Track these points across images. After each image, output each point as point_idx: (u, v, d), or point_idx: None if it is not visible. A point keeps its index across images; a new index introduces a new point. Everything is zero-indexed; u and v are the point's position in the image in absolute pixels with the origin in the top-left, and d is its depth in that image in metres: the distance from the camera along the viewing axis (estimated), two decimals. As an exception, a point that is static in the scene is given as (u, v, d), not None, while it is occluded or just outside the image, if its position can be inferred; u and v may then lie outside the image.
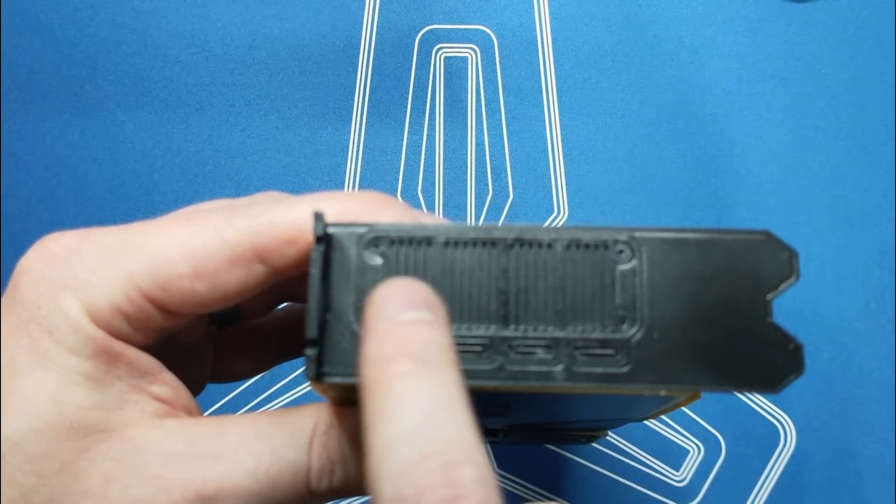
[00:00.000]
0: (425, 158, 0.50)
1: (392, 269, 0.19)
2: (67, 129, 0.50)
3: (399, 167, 0.50)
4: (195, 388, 0.26)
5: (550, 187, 0.50)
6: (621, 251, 0.19)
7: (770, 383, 0.19)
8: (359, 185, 0.50)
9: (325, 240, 0.20)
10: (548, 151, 0.50)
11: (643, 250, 0.19)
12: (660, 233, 0.19)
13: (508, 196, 0.50)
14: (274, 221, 0.21)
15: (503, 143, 0.50)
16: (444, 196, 0.50)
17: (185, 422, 0.21)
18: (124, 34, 0.52)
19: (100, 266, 0.20)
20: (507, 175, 0.50)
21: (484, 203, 0.50)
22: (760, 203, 0.49)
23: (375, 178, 0.50)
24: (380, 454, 0.16)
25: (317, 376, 0.19)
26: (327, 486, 0.21)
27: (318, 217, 0.20)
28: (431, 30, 0.52)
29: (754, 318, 0.20)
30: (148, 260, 0.20)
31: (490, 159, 0.50)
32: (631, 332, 0.19)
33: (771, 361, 0.19)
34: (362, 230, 0.20)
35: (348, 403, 0.22)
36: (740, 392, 0.19)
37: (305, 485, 0.21)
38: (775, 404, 0.47)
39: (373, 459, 0.16)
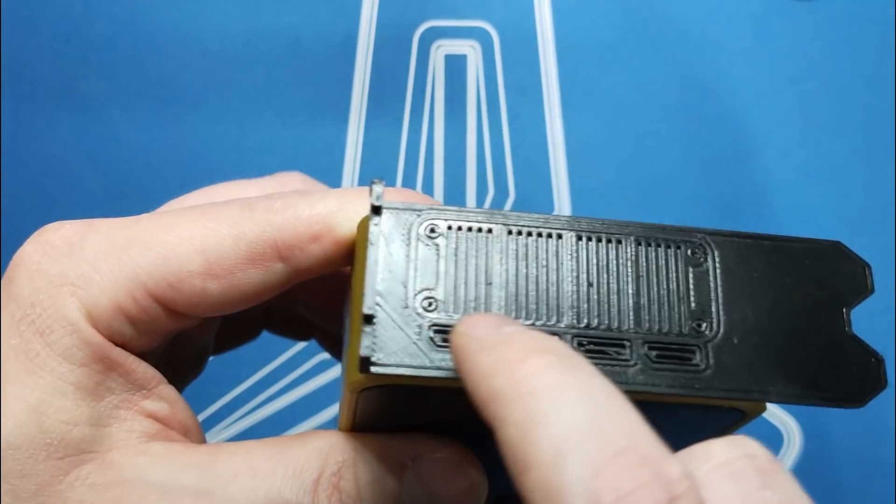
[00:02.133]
0: (425, 156, 0.50)
1: (450, 256, 0.17)
2: (63, 126, 0.50)
3: (398, 165, 0.50)
4: (188, 379, 0.25)
5: (552, 185, 0.49)
6: (694, 252, 0.18)
7: (855, 398, 0.19)
8: (357, 182, 0.50)
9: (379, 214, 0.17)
10: (549, 149, 0.50)
11: (716, 252, 0.19)
12: (732, 237, 0.19)
13: (509, 194, 0.49)
14: (298, 215, 0.19)
15: (504, 141, 0.50)
16: (443, 194, 0.49)
17: (173, 448, 0.19)
18: (120, 30, 0.51)
19: (103, 261, 0.19)
20: (507, 173, 0.50)
21: (484, 201, 0.49)
22: (766, 200, 0.49)
23: (374, 176, 0.50)
24: (552, 461, 0.13)
25: (367, 364, 0.16)
26: None
27: (376, 185, 0.17)
28: (431, 26, 0.52)
29: (834, 329, 0.19)
30: (157, 255, 0.19)
31: (490, 157, 0.50)
32: (710, 333, 0.18)
33: (854, 375, 0.19)
34: (421, 210, 0.17)
35: (370, 428, 0.19)
36: (824, 405, 0.18)
37: None
38: (780, 407, 0.47)
39: (541, 471, 0.13)
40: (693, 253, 0.18)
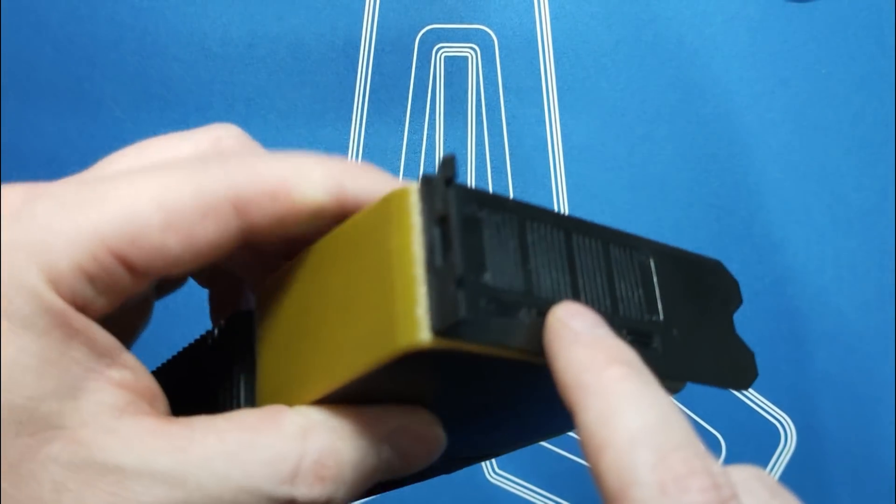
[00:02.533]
0: (425, 158, 0.50)
1: (495, 240, 0.18)
2: (66, 127, 0.50)
3: (399, 166, 0.50)
4: (137, 334, 0.23)
5: (550, 186, 0.50)
6: (643, 258, 0.21)
7: (742, 384, 0.22)
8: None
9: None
10: (548, 151, 0.50)
11: (653, 260, 0.21)
12: (662, 247, 0.22)
13: (509, 195, 0.50)
14: (257, 172, 0.19)
15: (503, 143, 0.50)
16: (443, 195, 0.50)
17: (145, 427, 0.18)
18: (123, 32, 0.52)
19: (58, 221, 0.18)
20: (507, 174, 0.50)
21: (484, 202, 0.50)
22: (760, 202, 0.49)
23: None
24: (627, 446, 0.16)
25: (455, 327, 0.16)
26: None
27: (450, 163, 0.18)
28: (431, 29, 0.52)
29: (726, 329, 0.23)
30: (115, 209, 0.18)
31: (490, 158, 0.50)
32: (661, 321, 0.21)
33: (740, 366, 0.23)
34: (475, 191, 0.18)
35: (342, 400, 0.19)
36: (725, 388, 0.22)
37: None
38: (775, 404, 0.47)
39: (616, 452, 0.16)
40: (643, 259, 0.21)
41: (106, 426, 0.18)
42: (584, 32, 0.52)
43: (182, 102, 0.51)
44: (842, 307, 0.48)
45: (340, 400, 0.19)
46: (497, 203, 0.18)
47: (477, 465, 0.46)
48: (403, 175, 0.50)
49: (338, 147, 0.50)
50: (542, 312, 0.18)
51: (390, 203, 0.18)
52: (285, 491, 0.18)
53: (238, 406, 0.21)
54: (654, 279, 0.21)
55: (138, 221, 0.18)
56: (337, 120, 0.51)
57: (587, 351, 0.17)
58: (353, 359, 0.18)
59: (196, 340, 0.23)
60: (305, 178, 0.19)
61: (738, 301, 0.24)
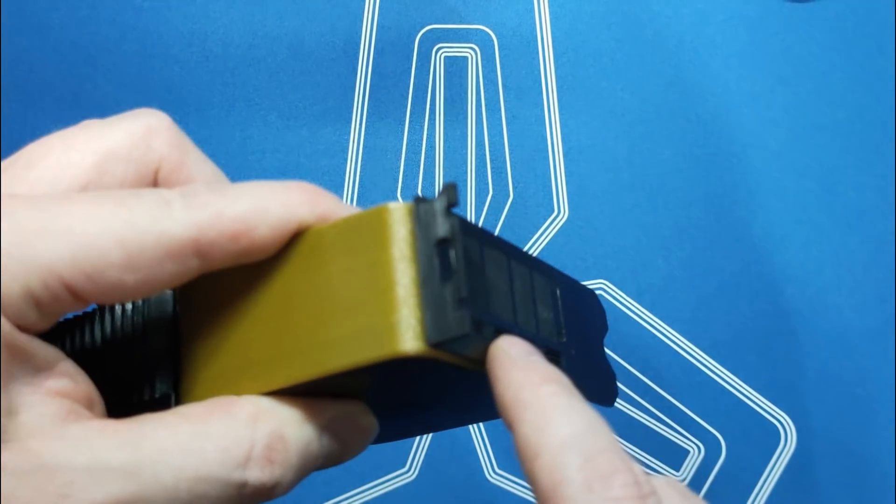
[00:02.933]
0: (425, 158, 0.50)
1: (470, 266, 0.20)
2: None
3: (399, 167, 0.50)
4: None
5: (551, 187, 0.50)
6: (554, 286, 0.24)
7: (609, 400, 0.26)
8: (359, 184, 0.50)
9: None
10: (548, 151, 0.50)
11: (558, 286, 0.24)
12: (561, 274, 0.24)
13: (509, 196, 0.50)
14: (220, 214, 0.19)
15: (503, 143, 0.51)
16: (444, 195, 0.50)
17: (91, 428, 0.18)
18: (124, 34, 0.52)
19: (16, 247, 0.18)
20: (507, 174, 0.50)
21: (484, 203, 0.50)
22: (760, 202, 0.49)
23: (375, 178, 0.50)
24: (558, 450, 0.19)
25: (463, 338, 0.19)
26: (261, 498, 0.19)
27: (452, 189, 0.19)
28: (431, 29, 0.52)
29: (599, 351, 0.26)
30: (75, 245, 0.18)
31: (490, 159, 0.50)
32: (565, 342, 0.23)
33: (609, 384, 0.26)
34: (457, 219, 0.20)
35: (295, 393, 0.20)
36: (598, 404, 0.25)
37: (237, 499, 0.19)
38: (775, 404, 0.47)
39: (548, 457, 0.19)
40: (553, 286, 0.24)
41: (52, 434, 0.18)
42: (584, 32, 0.52)
43: (183, 103, 0.51)
44: (841, 307, 0.48)
45: (289, 392, 0.20)
46: (470, 230, 0.20)
47: (477, 465, 0.46)
48: (403, 176, 0.50)
49: (338, 146, 0.50)
50: (498, 331, 0.20)
51: (382, 217, 0.19)
52: (239, 475, 0.19)
53: (158, 393, 0.21)
54: (560, 305, 0.24)
55: (98, 260, 0.18)
56: (337, 120, 0.51)
57: (524, 373, 0.20)
58: (331, 356, 0.19)
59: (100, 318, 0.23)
60: (265, 218, 0.19)
61: (606, 328, 0.27)
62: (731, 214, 0.49)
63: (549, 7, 0.52)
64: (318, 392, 0.20)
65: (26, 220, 0.18)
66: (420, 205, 0.19)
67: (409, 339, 0.18)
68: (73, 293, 0.18)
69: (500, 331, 0.20)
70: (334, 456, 0.21)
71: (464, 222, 0.20)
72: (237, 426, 0.19)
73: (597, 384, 0.25)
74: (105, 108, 0.51)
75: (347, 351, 0.19)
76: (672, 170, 0.50)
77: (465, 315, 0.18)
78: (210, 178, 0.23)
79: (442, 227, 0.19)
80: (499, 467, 0.46)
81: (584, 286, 0.26)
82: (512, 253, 0.22)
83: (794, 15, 0.52)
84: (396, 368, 0.19)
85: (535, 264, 0.23)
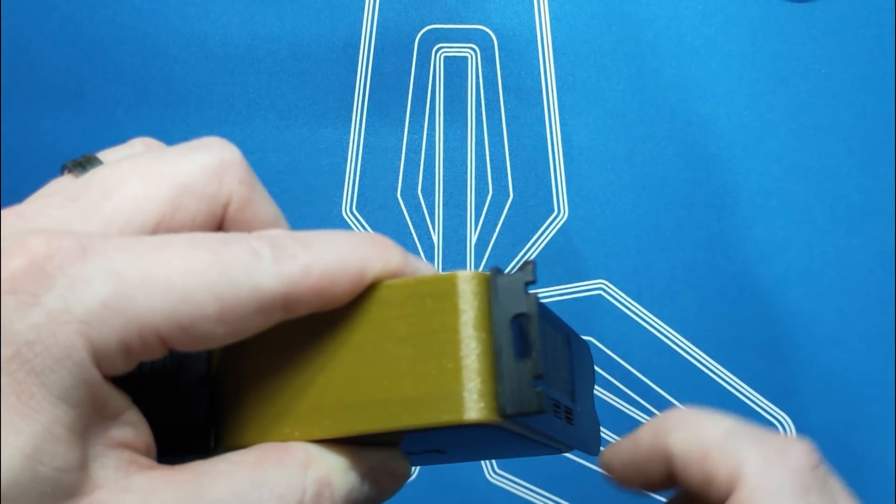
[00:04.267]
0: (425, 158, 0.50)
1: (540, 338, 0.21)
2: (67, 128, 0.50)
3: (399, 167, 0.50)
4: None
5: (550, 187, 0.50)
6: (565, 335, 0.25)
7: (596, 449, 0.26)
8: (359, 184, 0.50)
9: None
10: (548, 151, 0.50)
11: (568, 339, 0.25)
12: (567, 327, 0.25)
13: (508, 196, 0.50)
14: (310, 269, 0.19)
15: (503, 143, 0.51)
16: (444, 196, 0.50)
17: (154, 480, 0.19)
18: (124, 33, 0.52)
19: (116, 299, 0.17)
20: (507, 175, 0.50)
21: (484, 203, 0.50)
22: (761, 203, 0.49)
23: (375, 178, 0.50)
24: (724, 441, 0.21)
25: (534, 409, 0.19)
26: None
27: (531, 268, 0.20)
28: (431, 29, 0.52)
29: (592, 401, 0.27)
30: (175, 299, 0.18)
31: (490, 159, 0.50)
32: (575, 399, 0.24)
33: (595, 433, 0.27)
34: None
35: (342, 442, 0.20)
36: (587, 453, 0.26)
37: None
38: (775, 404, 0.47)
39: (717, 449, 0.21)
40: (564, 340, 0.24)
41: (119, 485, 0.18)
42: (584, 32, 0.52)
43: (183, 103, 0.51)
44: (842, 307, 0.48)
45: (337, 440, 0.20)
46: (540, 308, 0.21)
47: (477, 465, 0.46)
48: (403, 176, 0.50)
49: (338, 146, 0.50)
50: (566, 409, 0.23)
51: (457, 283, 0.20)
52: None
53: (209, 435, 0.22)
54: (571, 360, 0.24)
55: (195, 313, 0.18)
56: (337, 120, 0.51)
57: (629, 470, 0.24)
58: (398, 415, 0.20)
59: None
60: (345, 274, 0.20)
61: (594, 379, 0.28)
62: (732, 215, 0.49)
63: (549, 7, 0.52)
64: (361, 441, 0.21)
65: (125, 268, 0.18)
66: (498, 277, 0.20)
67: (481, 409, 0.19)
68: (165, 343, 0.18)
69: (555, 404, 0.21)
70: (371, 499, 0.21)
71: (541, 303, 0.20)
72: (290, 473, 0.19)
73: (591, 435, 0.26)
74: (105, 108, 0.51)
75: (417, 412, 0.19)
76: (672, 170, 0.50)
77: (542, 393, 0.19)
78: (274, 218, 0.23)
79: (521, 303, 0.19)
80: (499, 467, 0.46)
81: (580, 337, 0.26)
82: (547, 316, 0.23)
83: (795, 15, 0.52)
84: (452, 429, 0.20)
85: (552, 320, 0.23)
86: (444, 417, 0.19)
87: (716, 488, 0.21)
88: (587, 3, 0.52)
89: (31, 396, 0.17)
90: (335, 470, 0.20)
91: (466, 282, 0.20)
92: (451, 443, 0.23)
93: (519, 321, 0.20)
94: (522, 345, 0.20)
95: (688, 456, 0.21)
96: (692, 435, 0.21)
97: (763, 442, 0.21)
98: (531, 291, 0.20)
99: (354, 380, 0.20)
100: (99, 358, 0.17)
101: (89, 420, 0.18)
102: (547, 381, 0.21)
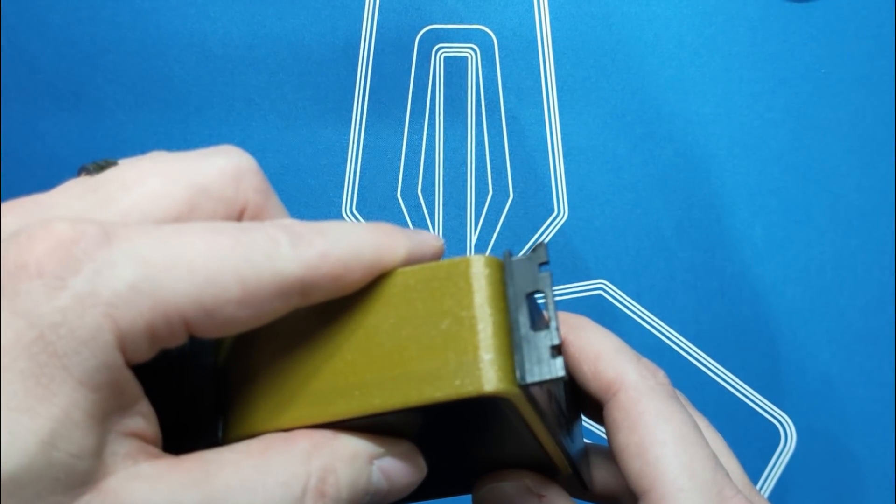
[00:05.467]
0: (425, 158, 0.50)
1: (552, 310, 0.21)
2: (67, 129, 0.50)
3: (399, 167, 0.50)
4: None
5: (550, 187, 0.50)
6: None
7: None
8: (359, 184, 0.50)
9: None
10: (548, 151, 0.50)
11: None
12: None
13: (508, 196, 0.50)
14: (327, 255, 0.19)
15: (503, 143, 0.51)
16: (444, 195, 0.50)
17: (162, 467, 0.19)
18: (124, 34, 0.52)
19: (143, 281, 0.17)
20: (507, 175, 0.50)
21: (484, 203, 0.50)
22: (760, 203, 0.49)
23: (375, 178, 0.50)
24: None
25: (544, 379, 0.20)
26: None
27: (543, 249, 0.21)
28: (431, 29, 0.52)
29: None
30: (200, 281, 0.18)
31: (490, 159, 0.50)
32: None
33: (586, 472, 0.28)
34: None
35: (345, 427, 0.21)
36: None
37: None
38: (775, 404, 0.47)
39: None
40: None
41: (128, 473, 0.18)
42: (584, 33, 0.52)
43: (183, 103, 0.51)
44: (842, 307, 0.48)
45: (344, 426, 0.20)
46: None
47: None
48: (403, 176, 0.50)
49: (338, 146, 0.50)
50: (559, 408, 0.23)
51: (470, 265, 0.20)
52: None
53: (216, 426, 0.22)
54: (567, 384, 0.26)
55: (220, 296, 0.18)
56: (337, 120, 0.51)
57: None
58: (411, 390, 0.20)
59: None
60: (360, 261, 0.20)
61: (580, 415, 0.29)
62: (732, 215, 0.49)
63: (549, 7, 0.52)
64: (374, 428, 0.21)
65: (150, 252, 0.18)
66: (512, 258, 0.21)
67: (499, 379, 0.19)
68: (189, 328, 0.18)
69: (549, 393, 0.22)
70: (381, 493, 0.21)
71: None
72: (294, 461, 0.20)
73: (585, 466, 0.27)
74: (105, 108, 0.51)
75: (433, 385, 0.20)
76: (672, 170, 0.50)
77: (561, 361, 0.20)
78: None
79: (536, 281, 0.20)
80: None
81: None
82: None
83: (795, 15, 0.52)
84: (451, 415, 0.20)
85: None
86: (463, 389, 0.19)
87: (599, 384, 0.25)
88: (587, 3, 0.52)
89: (52, 380, 0.17)
90: (341, 458, 0.20)
91: (480, 264, 0.20)
92: (448, 445, 0.23)
93: (533, 298, 0.20)
94: (538, 321, 0.20)
95: (582, 355, 0.26)
96: (589, 340, 0.26)
97: (639, 360, 0.26)
98: (546, 271, 0.20)
99: (368, 361, 0.20)
100: (124, 342, 0.17)
101: (107, 406, 0.18)
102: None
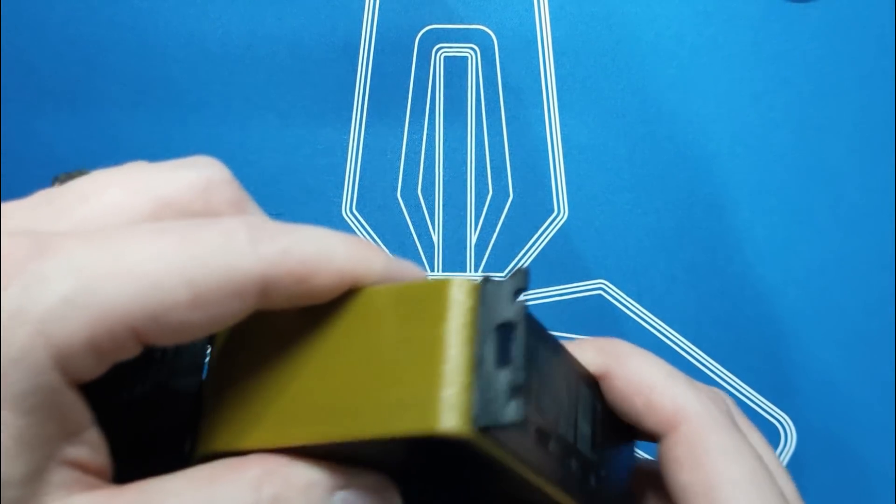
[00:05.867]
0: (425, 158, 0.50)
1: (528, 357, 0.19)
2: (66, 128, 0.50)
3: (399, 167, 0.50)
4: None
5: (550, 187, 0.50)
6: (596, 396, 0.25)
7: None
8: (359, 184, 0.50)
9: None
10: (548, 151, 0.50)
11: (599, 401, 0.24)
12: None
13: (508, 196, 0.50)
14: (289, 252, 0.18)
15: (503, 143, 0.50)
16: (443, 196, 0.50)
17: (98, 499, 0.17)
18: (122, 33, 0.52)
19: (79, 294, 0.16)
20: (507, 175, 0.50)
21: (484, 203, 0.50)
22: (761, 203, 0.49)
23: (375, 178, 0.50)
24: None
25: (510, 422, 0.17)
26: None
27: (523, 276, 0.19)
28: (431, 29, 0.52)
29: (625, 477, 0.26)
30: (142, 287, 0.17)
31: (490, 159, 0.50)
32: (596, 461, 0.23)
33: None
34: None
35: (301, 453, 0.19)
36: None
37: None
38: (775, 404, 0.47)
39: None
40: (594, 400, 0.24)
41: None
42: (584, 33, 0.52)
43: (181, 103, 0.51)
44: (842, 307, 0.48)
45: (307, 451, 0.19)
46: (533, 323, 0.20)
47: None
48: (403, 176, 0.50)
49: (337, 146, 0.50)
50: (566, 448, 0.21)
51: (444, 290, 0.18)
52: None
53: (187, 449, 0.21)
54: (598, 421, 0.23)
55: (166, 300, 0.17)
56: (336, 120, 0.51)
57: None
58: (366, 423, 0.18)
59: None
60: (329, 265, 0.19)
61: (634, 458, 0.27)
62: (732, 215, 0.49)
63: (549, 7, 0.52)
64: (340, 456, 0.19)
65: (86, 262, 0.17)
66: (488, 284, 0.18)
67: (452, 418, 0.17)
68: (139, 337, 0.17)
69: (540, 432, 0.20)
70: None
71: (529, 312, 0.19)
72: (243, 490, 0.18)
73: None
74: (104, 108, 0.51)
75: (386, 421, 0.18)
76: (672, 170, 0.50)
77: (518, 404, 0.17)
78: None
79: (507, 310, 0.18)
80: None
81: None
82: (564, 359, 0.22)
83: (796, 15, 0.52)
84: (428, 449, 0.19)
85: (582, 373, 0.23)
86: (414, 426, 0.17)
87: (657, 417, 0.23)
88: (587, 3, 0.52)
89: None
90: (294, 487, 0.18)
91: (455, 289, 0.18)
92: (428, 482, 0.21)
93: (508, 330, 0.18)
94: (508, 356, 0.18)
95: (632, 386, 0.24)
96: (638, 369, 0.24)
97: (697, 387, 0.24)
98: (520, 300, 0.18)
99: (328, 384, 0.19)
100: (63, 360, 0.16)
101: (43, 431, 0.16)
102: (540, 404, 0.20)
